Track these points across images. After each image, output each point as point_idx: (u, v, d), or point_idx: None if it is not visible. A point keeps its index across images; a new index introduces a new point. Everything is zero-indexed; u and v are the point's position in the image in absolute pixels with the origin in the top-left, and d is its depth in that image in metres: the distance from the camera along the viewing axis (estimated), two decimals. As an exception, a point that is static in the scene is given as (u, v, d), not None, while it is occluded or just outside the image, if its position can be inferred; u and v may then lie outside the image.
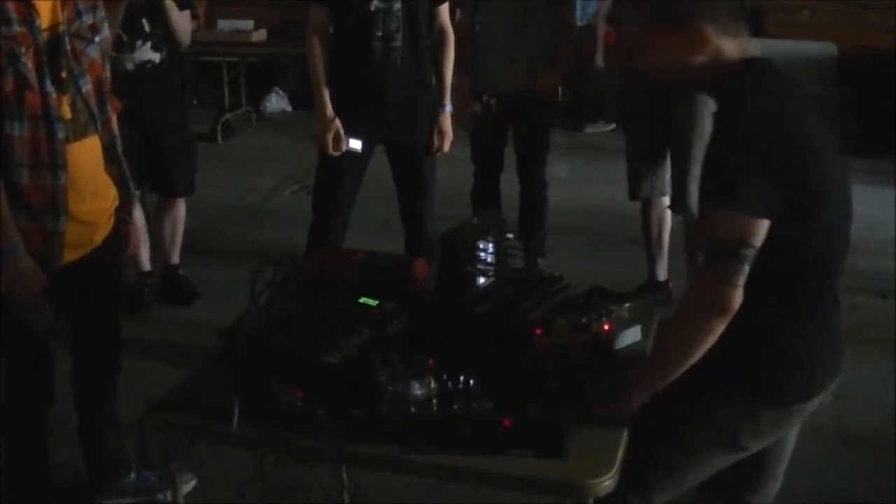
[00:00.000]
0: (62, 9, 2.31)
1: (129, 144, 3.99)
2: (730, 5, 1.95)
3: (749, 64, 1.92)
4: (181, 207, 4.38)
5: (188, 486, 2.79)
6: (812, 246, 1.89)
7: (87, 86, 2.37)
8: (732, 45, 1.92)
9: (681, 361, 1.86)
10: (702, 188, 1.93)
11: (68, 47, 2.30)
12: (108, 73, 2.50)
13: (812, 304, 1.94)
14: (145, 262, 4.38)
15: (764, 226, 1.77)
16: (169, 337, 4.03)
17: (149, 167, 4.17)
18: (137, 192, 4.24)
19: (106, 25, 2.46)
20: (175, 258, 4.45)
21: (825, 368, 1.98)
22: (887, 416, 3.38)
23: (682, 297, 1.98)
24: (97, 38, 2.41)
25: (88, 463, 2.87)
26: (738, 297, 1.78)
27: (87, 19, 2.38)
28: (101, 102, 2.45)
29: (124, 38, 3.87)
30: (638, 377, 1.93)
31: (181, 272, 4.49)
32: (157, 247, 4.43)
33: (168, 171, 4.23)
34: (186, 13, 4.01)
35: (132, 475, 2.90)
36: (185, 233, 4.47)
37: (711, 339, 1.82)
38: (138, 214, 4.26)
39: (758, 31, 6.45)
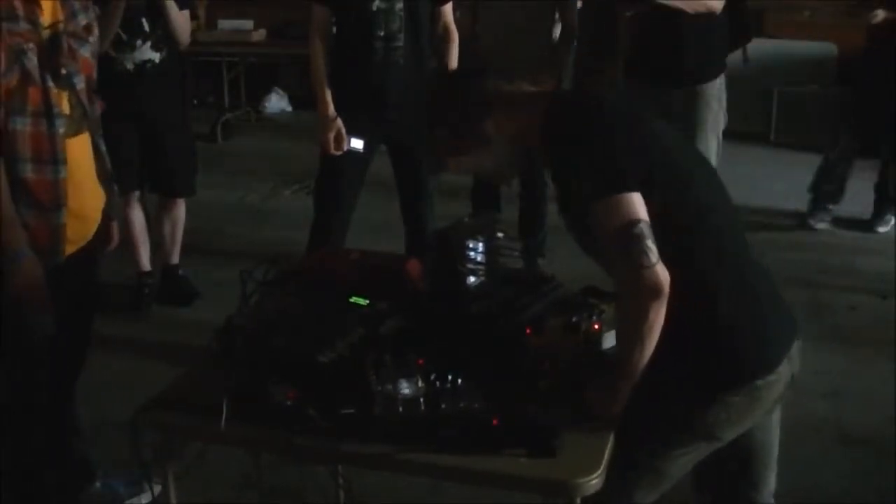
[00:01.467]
0: (60, 8, 2.33)
1: (129, 144, 4.04)
2: (484, 77, 2.06)
3: (555, 97, 2.02)
4: (181, 207, 4.39)
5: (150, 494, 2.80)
6: (693, 216, 1.92)
7: (81, 84, 2.40)
8: (525, 110, 2.00)
9: (639, 351, 1.86)
10: (573, 202, 1.97)
11: (65, 45, 2.32)
12: (95, 74, 2.50)
13: (726, 278, 1.93)
14: (145, 262, 4.38)
15: (638, 198, 1.81)
16: (169, 337, 4.03)
17: (149, 167, 4.17)
18: (137, 193, 4.27)
19: (97, 27, 2.48)
20: (175, 258, 4.46)
21: (773, 337, 1.97)
22: (887, 416, 3.38)
23: (616, 301, 1.98)
24: (91, 39, 2.43)
25: (53, 471, 2.79)
26: (659, 275, 1.78)
27: (82, 19, 2.40)
28: (91, 101, 2.47)
29: (124, 37, 3.87)
30: (614, 376, 1.94)
31: (181, 272, 4.49)
32: (157, 247, 4.43)
33: (168, 171, 4.23)
34: (186, 13, 4.01)
35: (97, 484, 2.88)
36: (185, 233, 4.47)
37: (659, 320, 1.82)
38: (138, 214, 4.29)
39: (758, 31, 6.44)
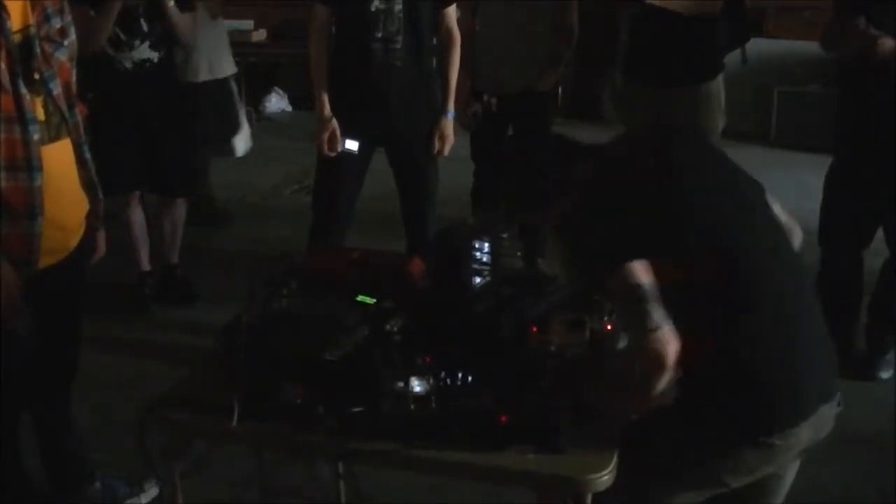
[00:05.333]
0: (31, 11, 2.27)
1: (128, 144, 4.04)
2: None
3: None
4: (181, 208, 4.39)
5: (151, 493, 2.81)
6: (726, 268, 1.87)
7: (57, 89, 2.34)
8: None
9: (644, 402, 1.89)
10: (575, 262, 1.98)
11: (38, 50, 2.28)
12: (74, 77, 2.47)
13: (756, 335, 1.89)
14: (145, 262, 4.38)
15: (642, 265, 1.80)
16: (169, 337, 4.03)
17: (149, 167, 4.17)
18: (138, 192, 4.27)
19: (73, 29, 2.42)
20: (175, 258, 4.46)
21: (797, 397, 1.92)
22: (887, 416, 3.38)
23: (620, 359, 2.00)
24: (66, 42, 2.38)
25: (49, 471, 2.83)
26: (662, 342, 1.78)
27: (56, 22, 2.35)
28: (70, 106, 2.42)
29: (122, 37, 3.88)
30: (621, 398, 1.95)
31: (181, 272, 4.49)
32: (158, 247, 4.43)
33: (167, 171, 4.23)
34: (187, 15, 4.02)
35: (96, 483, 2.87)
36: (185, 233, 4.47)
37: (657, 392, 1.83)
38: (138, 214, 4.29)
39: (758, 31, 6.44)
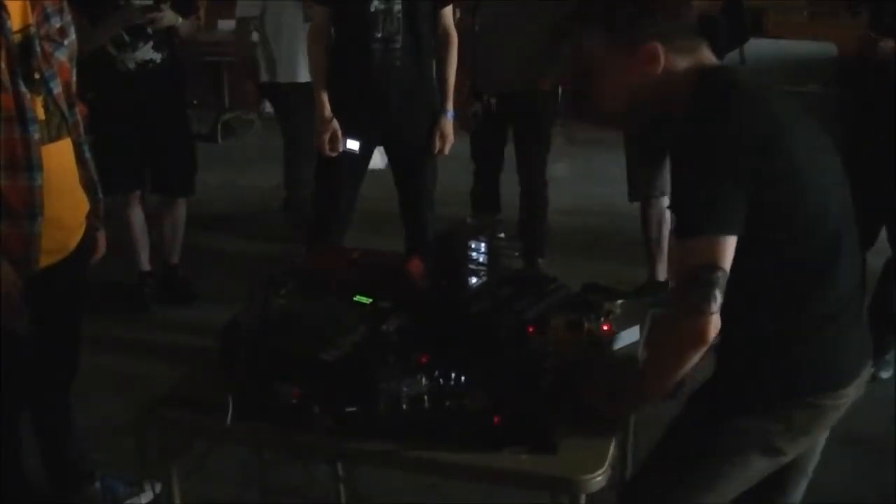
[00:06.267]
0: (31, 11, 2.27)
1: (129, 144, 4.05)
2: (681, 24, 1.87)
3: (705, 76, 1.84)
4: (181, 208, 4.39)
5: (151, 493, 2.81)
6: (796, 245, 1.83)
7: (57, 88, 2.34)
8: (685, 62, 1.85)
9: (663, 385, 1.85)
10: (673, 215, 1.87)
11: (38, 49, 2.28)
12: (74, 77, 2.46)
13: (816, 301, 1.87)
14: (145, 262, 4.39)
15: (731, 243, 1.74)
16: (169, 337, 4.03)
17: (149, 167, 4.17)
18: (138, 192, 4.28)
19: (73, 29, 2.43)
20: (175, 258, 4.46)
21: (847, 354, 1.92)
22: (887, 416, 3.38)
23: (659, 324, 1.94)
24: (66, 42, 2.38)
25: (50, 471, 2.83)
26: (712, 326, 1.74)
27: (56, 22, 2.35)
28: (70, 106, 2.42)
29: (126, 38, 3.89)
30: (629, 389, 1.93)
31: (181, 272, 4.49)
32: (158, 247, 4.43)
33: (168, 171, 4.24)
34: (188, 21, 4.04)
35: (96, 483, 2.87)
36: (185, 233, 4.47)
37: (689, 365, 1.80)
38: (138, 214, 4.30)
39: (758, 31, 6.45)
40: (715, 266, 1.72)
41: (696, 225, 1.74)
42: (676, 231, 1.80)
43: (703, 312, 1.73)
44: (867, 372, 1.99)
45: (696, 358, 1.79)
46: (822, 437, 2.06)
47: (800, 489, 2.14)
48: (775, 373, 1.88)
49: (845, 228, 1.89)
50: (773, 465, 1.95)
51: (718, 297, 1.73)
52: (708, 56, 1.88)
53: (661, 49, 1.82)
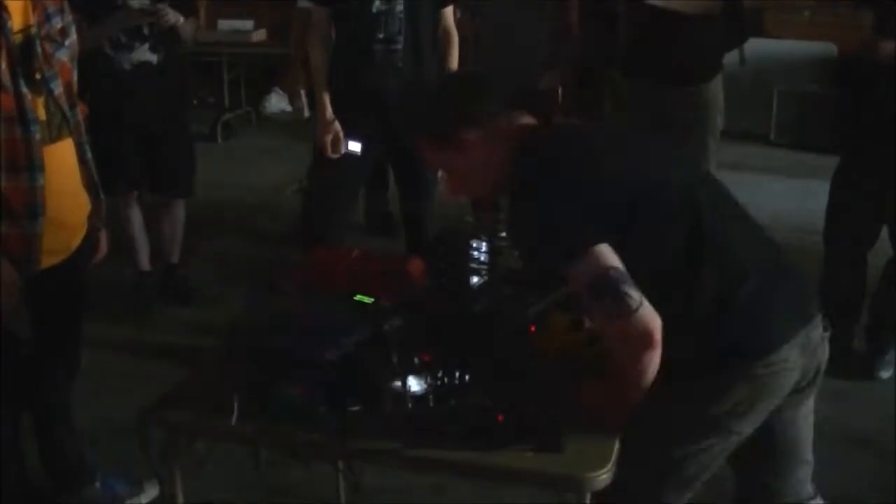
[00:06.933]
0: (32, 11, 2.27)
1: (127, 145, 4.05)
2: (490, 94, 1.99)
3: (522, 146, 1.94)
4: (181, 208, 4.39)
5: (151, 493, 2.81)
6: (687, 245, 1.86)
7: (58, 88, 2.34)
8: (507, 128, 1.95)
9: (638, 390, 1.85)
10: (540, 263, 1.94)
11: (39, 50, 2.28)
12: (75, 77, 2.46)
13: (711, 277, 1.87)
14: (145, 262, 4.38)
15: (604, 248, 1.77)
16: (169, 337, 4.03)
17: (148, 168, 4.17)
18: (136, 193, 4.27)
19: (74, 29, 2.42)
20: (175, 258, 4.46)
21: (771, 320, 1.90)
22: (887, 416, 3.38)
23: (611, 350, 1.94)
24: (67, 42, 2.38)
25: (50, 471, 2.83)
26: (645, 320, 1.75)
27: (57, 22, 2.35)
28: (71, 106, 2.42)
29: (122, 39, 3.89)
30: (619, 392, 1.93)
31: (181, 272, 4.50)
32: (157, 247, 4.43)
33: (167, 171, 4.23)
34: (188, 22, 4.04)
35: (96, 483, 2.87)
36: (185, 233, 4.47)
37: (654, 366, 1.80)
38: (137, 214, 4.29)
39: (758, 31, 6.45)
40: (604, 271, 1.75)
41: (562, 257, 1.80)
42: (560, 275, 1.84)
43: (626, 313, 1.74)
44: (815, 332, 1.96)
45: (656, 354, 1.79)
46: (796, 414, 2.06)
47: (796, 475, 2.15)
48: (701, 352, 1.89)
49: (710, 199, 1.93)
50: (729, 446, 1.96)
51: (630, 291, 1.74)
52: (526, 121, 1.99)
53: (474, 135, 1.94)
